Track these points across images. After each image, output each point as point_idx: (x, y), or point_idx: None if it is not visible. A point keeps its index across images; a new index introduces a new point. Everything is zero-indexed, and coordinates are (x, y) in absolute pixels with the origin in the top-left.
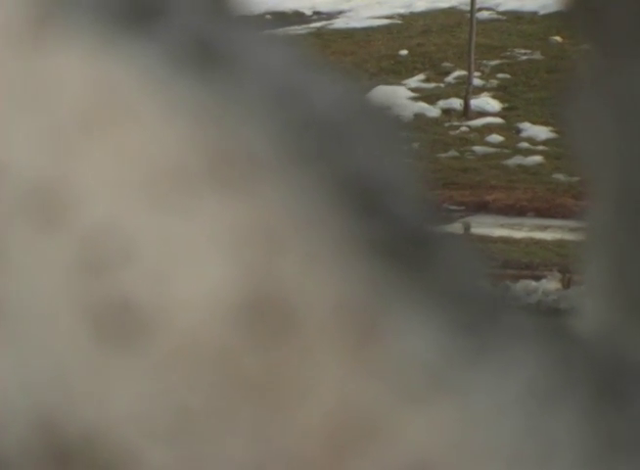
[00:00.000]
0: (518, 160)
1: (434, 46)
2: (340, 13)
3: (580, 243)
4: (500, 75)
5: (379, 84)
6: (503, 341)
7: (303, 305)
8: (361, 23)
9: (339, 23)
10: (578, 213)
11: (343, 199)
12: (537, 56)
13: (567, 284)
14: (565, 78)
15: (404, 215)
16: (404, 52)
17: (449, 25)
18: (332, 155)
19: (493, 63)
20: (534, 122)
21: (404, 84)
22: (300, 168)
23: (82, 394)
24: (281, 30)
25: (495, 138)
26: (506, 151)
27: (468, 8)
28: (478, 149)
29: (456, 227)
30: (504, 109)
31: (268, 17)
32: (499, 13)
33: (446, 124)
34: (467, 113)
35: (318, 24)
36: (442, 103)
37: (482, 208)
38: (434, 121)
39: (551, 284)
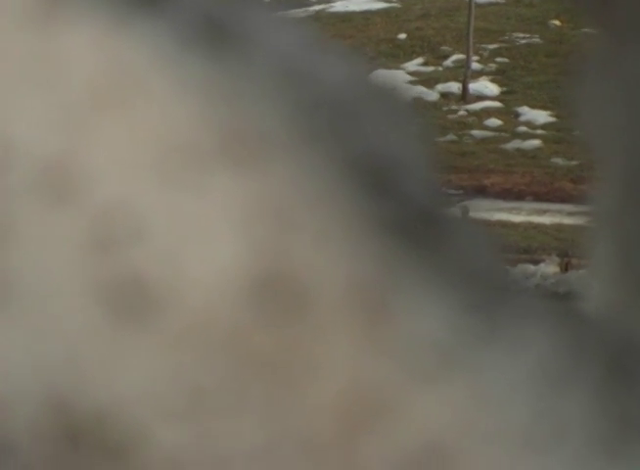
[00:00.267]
0: (516, 144)
1: (433, 30)
2: None
3: (585, 226)
4: (499, 59)
5: (377, 68)
6: (514, 320)
7: (315, 283)
8: (360, 6)
9: (337, 7)
10: (577, 197)
11: (354, 177)
12: (536, 40)
13: (565, 268)
14: (567, 62)
15: (414, 194)
16: (403, 36)
17: (448, 9)
18: (342, 133)
19: (492, 46)
20: (533, 106)
21: (403, 68)
22: (311, 147)
23: (94, 373)
24: (280, 13)
25: (494, 122)
26: (504, 135)
27: None
28: (476, 133)
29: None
30: (502, 93)
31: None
32: None
33: (445, 108)
34: (465, 96)
35: (317, 8)
36: (441, 87)
37: (481, 192)
38: (433, 105)
39: (549, 268)
